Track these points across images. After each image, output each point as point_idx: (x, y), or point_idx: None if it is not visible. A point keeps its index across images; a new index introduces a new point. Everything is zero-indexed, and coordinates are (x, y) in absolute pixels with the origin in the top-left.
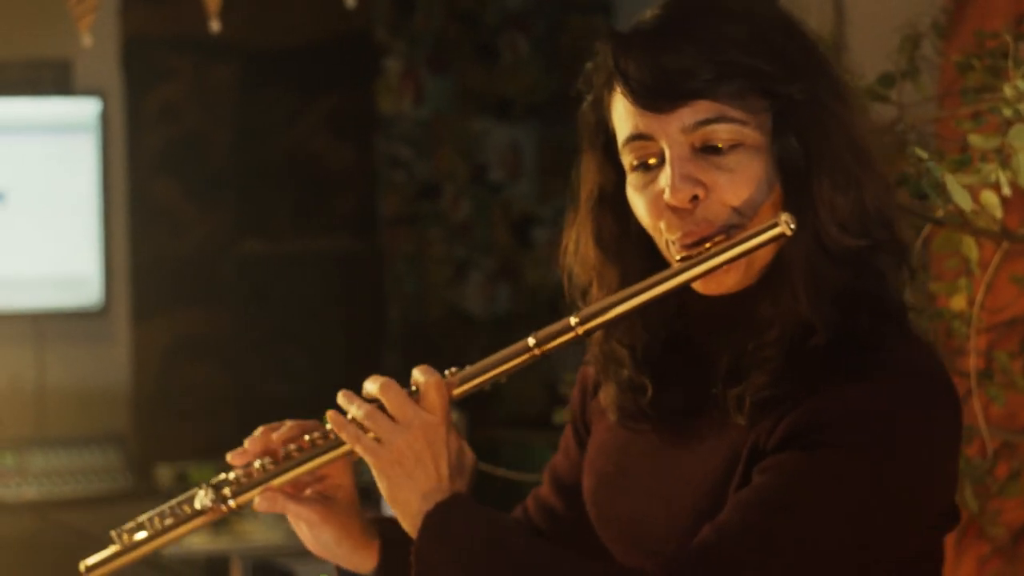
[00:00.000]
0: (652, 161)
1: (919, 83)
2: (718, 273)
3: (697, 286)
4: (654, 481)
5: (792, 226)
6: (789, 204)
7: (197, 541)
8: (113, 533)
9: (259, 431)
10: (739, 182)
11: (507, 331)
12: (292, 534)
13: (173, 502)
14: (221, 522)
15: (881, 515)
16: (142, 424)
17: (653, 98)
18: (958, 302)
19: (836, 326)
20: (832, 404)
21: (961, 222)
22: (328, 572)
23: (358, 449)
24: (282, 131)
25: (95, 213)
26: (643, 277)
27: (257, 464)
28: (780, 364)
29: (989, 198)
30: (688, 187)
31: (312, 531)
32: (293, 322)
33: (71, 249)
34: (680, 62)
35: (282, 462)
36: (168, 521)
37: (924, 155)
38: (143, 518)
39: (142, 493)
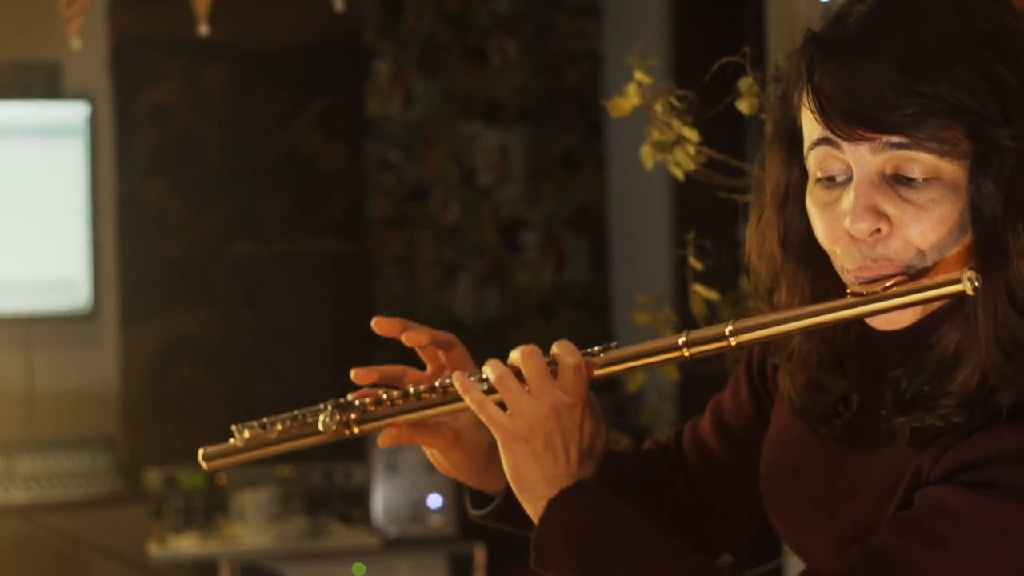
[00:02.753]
0: (838, 177)
1: None
2: (891, 313)
3: (868, 320)
4: (823, 489)
5: (976, 284)
6: (980, 253)
7: (186, 544)
8: (234, 427)
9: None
10: (928, 221)
11: (496, 334)
12: (280, 537)
13: (296, 413)
14: (209, 525)
15: None
16: (131, 427)
17: (845, 124)
18: None
19: (1014, 387)
20: (999, 441)
21: None
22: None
23: (483, 418)
24: (272, 133)
25: (84, 216)
26: (831, 285)
27: (385, 396)
28: (954, 410)
29: None
30: (871, 219)
31: (442, 455)
32: (283, 324)
33: (60, 252)
34: (879, 88)
35: (410, 400)
36: (290, 430)
37: None
38: (266, 420)
39: (131, 496)
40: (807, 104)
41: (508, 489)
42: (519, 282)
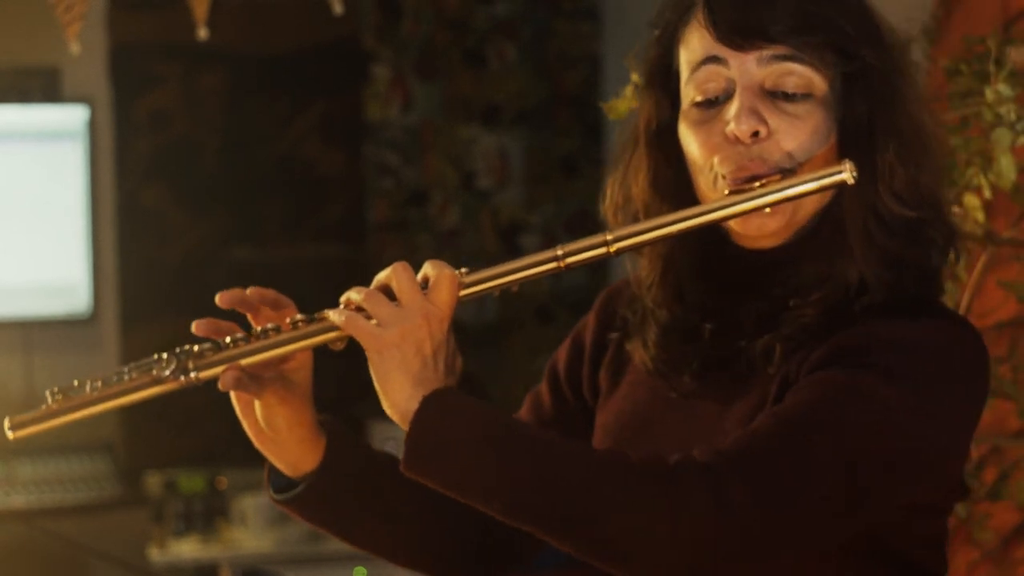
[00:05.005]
0: (719, 98)
1: None
2: (762, 215)
3: (737, 227)
4: (682, 431)
5: (854, 175)
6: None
7: (186, 549)
8: (48, 392)
9: (230, 294)
10: (800, 129)
11: (495, 338)
12: (281, 542)
13: (130, 365)
14: (210, 530)
15: (916, 443)
16: (131, 432)
17: (734, 32)
18: None
19: (886, 288)
20: (876, 331)
21: None
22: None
23: (353, 331)
24: (271, 138)
25: (83, 221)
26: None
27: (228, 339)
28: (814, 320)
29: (971, 201)
30: (753, 121)
31: (266, 412)
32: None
33: (59, 257)
34: (768, 6)
35: (255, 340)
36: (114, 387)
37: None
38: (88, 380)
39: (132, 501)
40: (693, 26)
41: (315, 476)
42: (519, 286)
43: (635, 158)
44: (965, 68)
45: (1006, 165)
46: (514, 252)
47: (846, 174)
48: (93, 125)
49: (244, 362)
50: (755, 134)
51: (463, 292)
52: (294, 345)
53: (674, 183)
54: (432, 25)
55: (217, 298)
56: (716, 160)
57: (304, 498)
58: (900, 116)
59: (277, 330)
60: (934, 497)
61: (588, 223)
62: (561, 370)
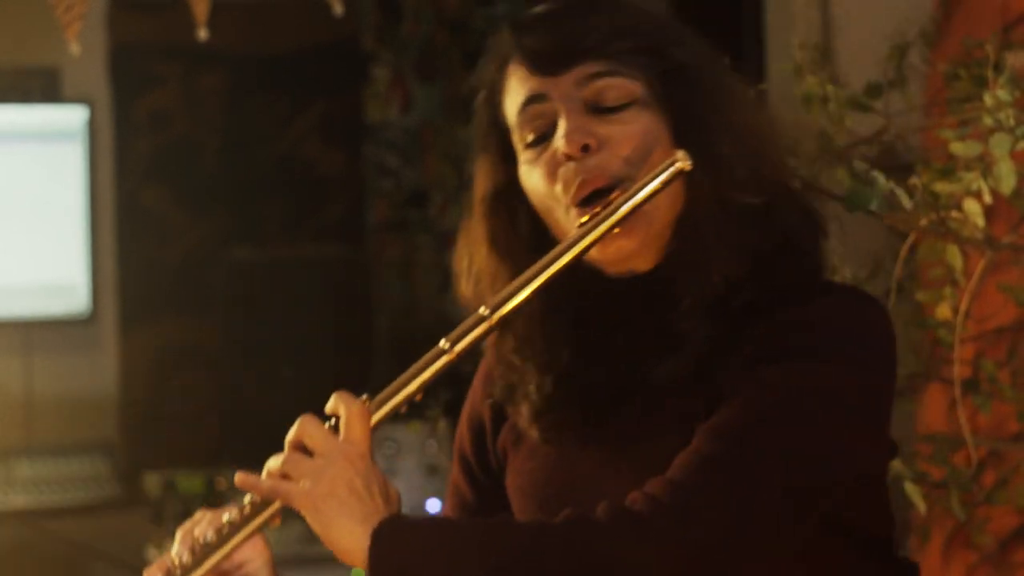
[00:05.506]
0: (548, 131)
1: (907, 92)
2: (616, 239)
3: (599, 256)
4: (610, 482)
5: (688, 163)
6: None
7: None
8: None
9: (178, 534)
10: (630, 134)
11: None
12: (279, 543)
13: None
14: None
15: (856, 417)
16: (130, 432)
17: (547, 60)
18: (943, 311)
19: (765, 280)
20: (783, 322)
21: (944, 231)
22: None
23: (284, 500)
24: (270, 138)
25: (83, 221)
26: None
27: (176, 560)
28: (709, 330)
29: (971, 206)
30: (581, 135)
31: None
32: (282, 329)
33: (59, 257)
34: (574, 28)
35: (198, 552)
36: None
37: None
38: None
39: (130, 502)
40: (511, 73)
41: None
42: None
43: (473, 230)
44: (964, 73)
45: (1005, 170)
46: None
47: (680, 162)
48: (93, 125)
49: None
50: (585, 148)
51: (374, 419)
52: (231, 543)
53: (513, 244)
54: (432, 26)
55: None
56: (559, 188)
57: None
58: (727, 108)
59: (217, 533)
60: (877, 464)
61: None
62: (470, 456)
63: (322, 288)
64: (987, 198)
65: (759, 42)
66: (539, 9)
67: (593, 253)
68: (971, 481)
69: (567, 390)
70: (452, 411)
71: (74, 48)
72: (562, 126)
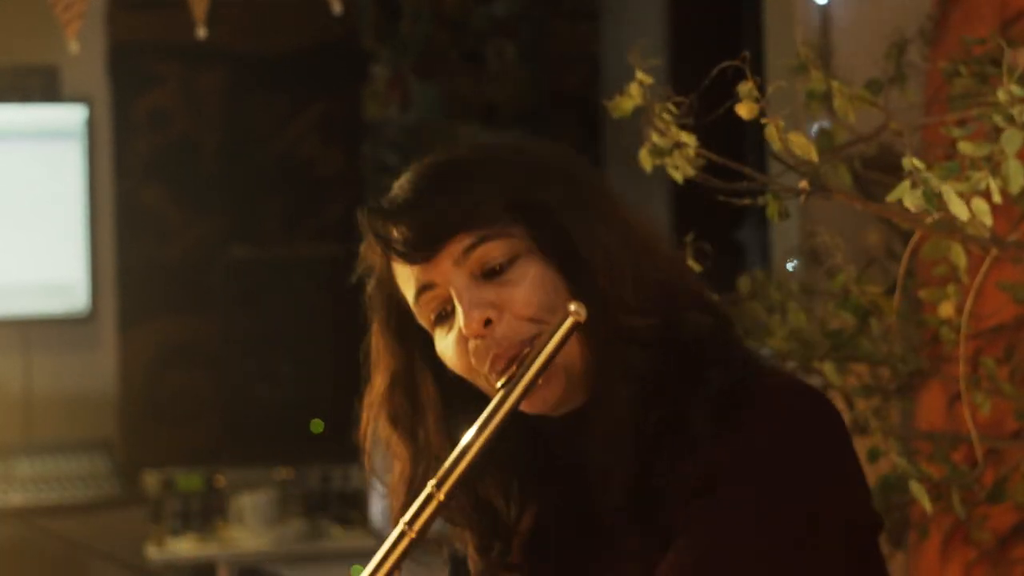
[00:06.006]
0: (448, 308)
1: (906, 90)
2: (539, 390)
3: (529, 409)
4: None
5: (583, 312)
6: (582, 301)
7: (184, 547)
8: None
9: None
10: (525, 292)
11: None
12: (278, 540)
13: None
14: (208, 528)
15: (811, 542)
16: (129, 430)
17: (418, 249)
18: (946, 309)
19: (671, 400)
20: (715, 457)
21: (950, 229)
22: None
23: None
24: (269, 137)
25: (82, 220)
26: (441, 447)
27: None
28: (625, 467)
29: (980, 205)
30: (478, 312)
31: None
32: (281, 328)
33: (58, 256)
34: (434, 210)
35: None
36: None
37: (920, 165)
38: None
39: (129, 500)
40: (393, 259)
41: None
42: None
43: (376, 399)
44: (964, 70)
45: (1014, 169)
46: None
47: (572, 316)
48: (92, 124)
49: None
50: (487, 323)
51: None
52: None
53: (413, 421)
54: (431, 25)
55: None
56: (475, 362)
57: None
58: (597, 232)
59: None
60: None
61: None
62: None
63: (321, 287)
64: (996, 197)
65: (759, 44)
66: (392, 196)
67: (524, 406)
68: (973, 480)
69: (532, 529)
70: None
71: (73, 47)
72: (458, 308)
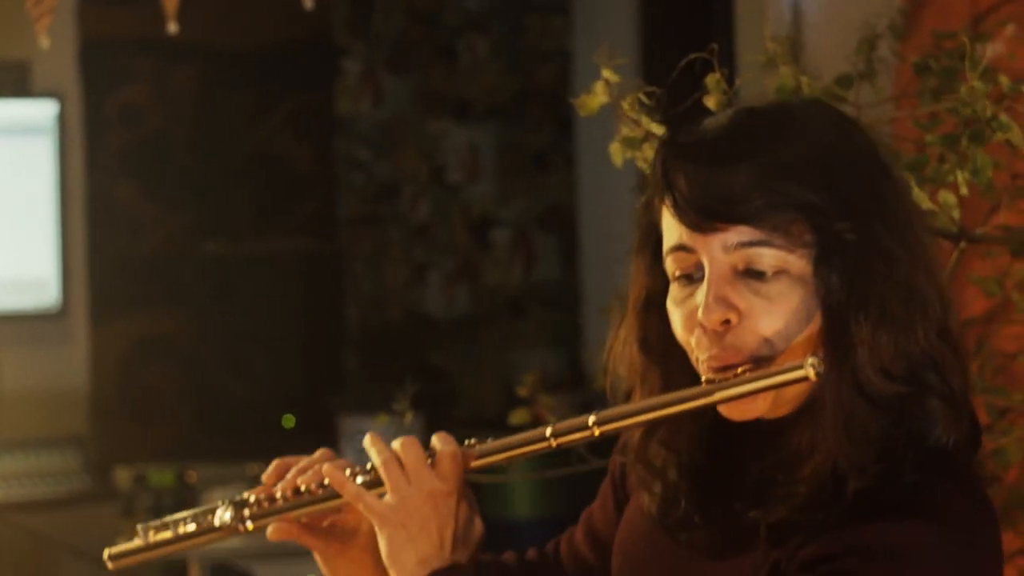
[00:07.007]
0: (695, 275)
1: (876, 84)
2: (743, 401)
3: (723, 410)
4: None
5: (818, 371)
6: (827, 342)
7: None
8: (139, 527)
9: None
10: (775, 312)
11: (466, 332)
12: (250, 537)
13: (196, 511)
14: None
15: None
16: (101, 426)
17: (698, 217)
18: None
19: (875, 474)
20: (854, 536)
21: None
22: (314, 573)
23: (360, 507)
24: (241, 133)
25: (53, 215)
26: (686, 384)
27: (279, 494)
28: (805, 500)
29: (947, 198)
30: (721, 310)
31: (327, 564)
32: (253, 323)
33: (29, 251)
34: (731, 185)
35: (302, 495)
36: (190, 528)
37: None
38: (168, 519)
39: (101, 495)
40: (668, 208)
41: None
42: (489, 280)
43: (625, 327)
44: (934, 64)
45: (982, 162)
46: (485, 247)
47: (806, 370)
48: (63, 119)
49: (292, 514)
50: (726, 322)
51: (473, 464)
52: (329, 504)
53: (664, 346)
54: (403, 20)
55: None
56: (693, 342)
57: None
58: (881, 283)
59: (322, 487)
60: None
61: (559, 218)
62: (599, 529)
63: (293, 282)
64: (964, 190)
65: (729, 36)
66: (696, 137)
67: (722, 408)
68: None
69: (678, 499)
70: (420, 405)
71: (44, 42)
72: (703, 291)
